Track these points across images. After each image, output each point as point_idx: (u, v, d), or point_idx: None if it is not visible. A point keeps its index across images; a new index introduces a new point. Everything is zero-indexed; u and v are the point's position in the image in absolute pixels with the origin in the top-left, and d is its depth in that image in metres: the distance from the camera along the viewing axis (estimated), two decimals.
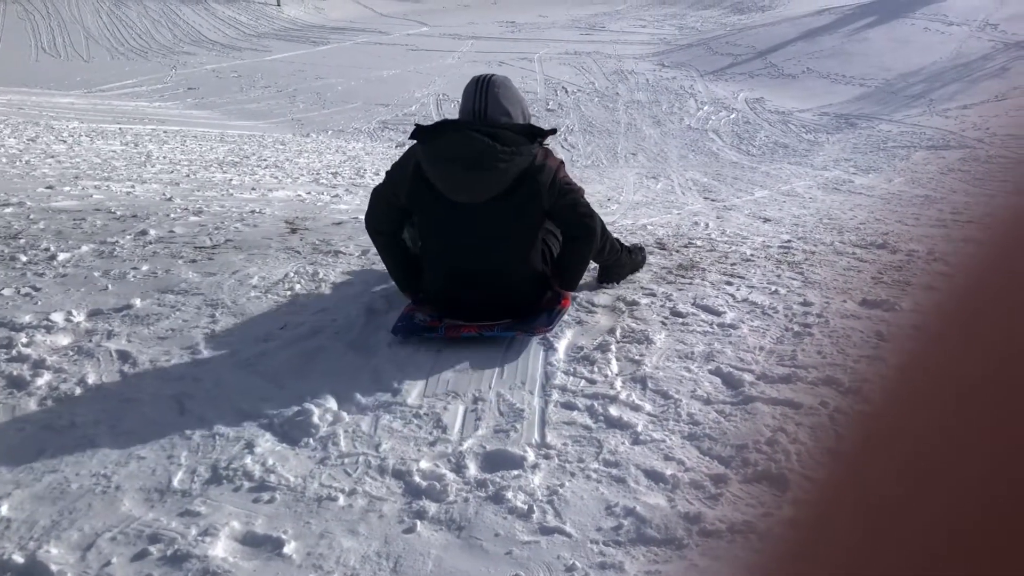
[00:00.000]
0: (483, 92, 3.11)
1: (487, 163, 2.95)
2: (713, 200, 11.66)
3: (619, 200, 11.44)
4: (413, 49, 24.80)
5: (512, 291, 3.20)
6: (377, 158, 15.31)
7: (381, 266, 3.66)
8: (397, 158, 3.28)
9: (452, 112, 19.14)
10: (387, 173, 3.25)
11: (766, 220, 8.63)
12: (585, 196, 3.29)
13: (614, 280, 3.78)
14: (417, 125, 3.14)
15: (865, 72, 19.58)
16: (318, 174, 12.32)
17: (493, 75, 3.26)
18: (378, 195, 3.26)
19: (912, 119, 16.91)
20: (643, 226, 6.33)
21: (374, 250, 3.71)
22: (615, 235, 3.82)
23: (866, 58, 20.21)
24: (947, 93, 17.83)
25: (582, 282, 3.61)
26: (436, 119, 19.04)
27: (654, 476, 2.37)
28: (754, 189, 12.92)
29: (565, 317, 3.34)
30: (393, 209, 3.22)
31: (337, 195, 10.09)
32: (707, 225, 7.06)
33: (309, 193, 9.80)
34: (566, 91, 20.46)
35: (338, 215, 6.38)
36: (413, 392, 2.85)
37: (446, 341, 3.18)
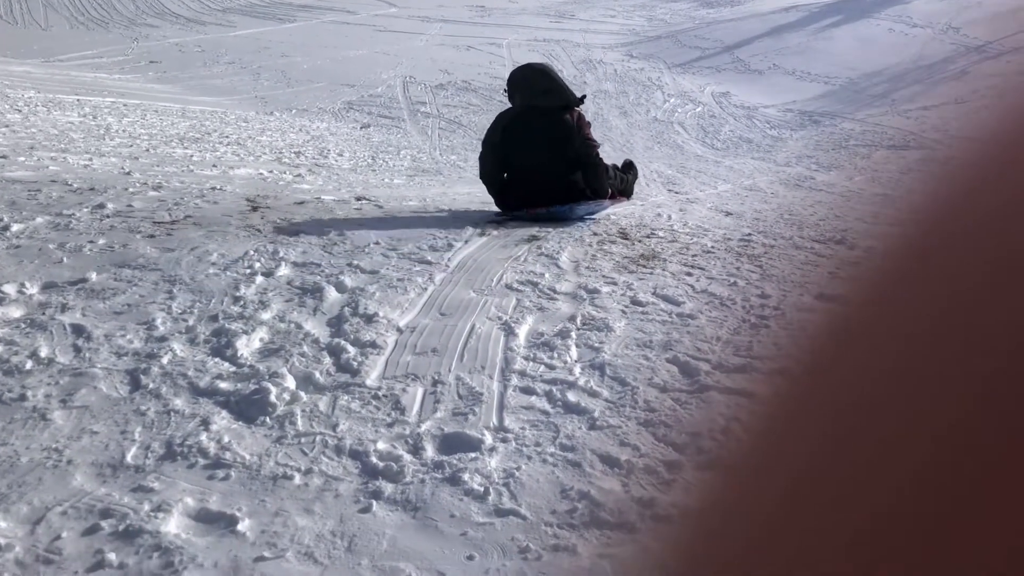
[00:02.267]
0: (538, 76, 5.08)
1: (543, 131, 4.87)
2: (677, 192, 11.73)
3: None
4: (381, 30, 24.57)
5: (557, 190, 4.95)
6: (341, 139, 15.17)
7: (343, 246, 3.66)
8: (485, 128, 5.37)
9: (418, 95, 19.05)
10: (486, 136, 5.18)
11: (728, 214, 8.71)
12: (595, 144, 5.13)
13: (629, 195, 5.92)
14: (500, 116, 5.23)
15: (830, 70, 19.80)
16: (281, 153, 12.18)
17: (544, 65, 5.37)
18: (486, 148, 5.14)
19: (874, 118, 17.14)
20: (607, 216, 6.36)
21: (335, 231, 3.80)
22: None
23: (831, 56, 20.43)
24: (909, 94, 18.10)
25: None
26: (403, 102, 18.93)
27: (609, 461, 2.40)
28: (717, 183, 13.02)
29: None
30: (496, 152, 5.01)
31: (300, 174, 9.98)
32: (670, 217, 7.12)
33: (271, 172, 9.68)
34: None
35: (300, 195, 6.32)
36: (372, 373, 2.85)
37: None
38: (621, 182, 5.51)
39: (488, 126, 5.18)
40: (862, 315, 0.36)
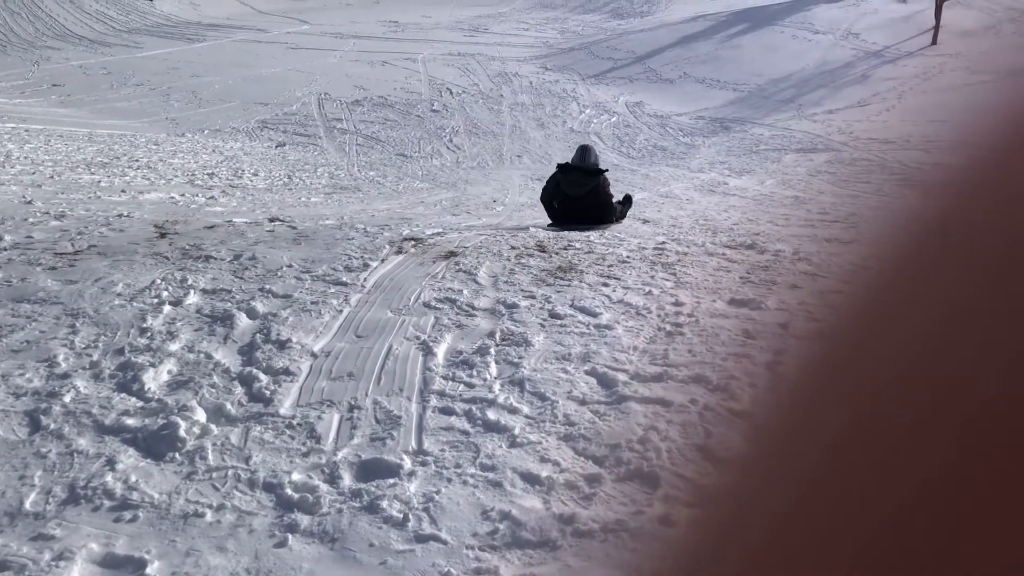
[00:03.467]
0: (584, 151, 7.20)
1: (583, 182, 6.91)
2: None
3: (504, 202, 11.52)
4: (293, 48, 24.27)
5: (587, 218, 6.94)
6: (256, 158, 14.90)
7: (254, 270, 3.58)
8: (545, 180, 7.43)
9: (334, 112, 18.86)
10: (548, 181, 7.21)
11: (645, 221, 8.85)
12: (612, 195, 7.31)
13: (622, 220, 7.57)
14: (559, 164, 7.29)
15: (738, 77, 20.33)
16: (193, 175, 11.90)
17: (589, 144, 7.51)
18: (549, 186, 7.15)
19: (783, 123, 17.65)
20: (526, 228, 6.37)
21: (247, 255, 3.77)
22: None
23: (739, 64, 20.98)
24: (814, 98, 18.69)
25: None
26: (319, 119, 18.68)
27: (530, 478, 2.39)
28: (634, 191, 13.24)
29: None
30: (552, 192, 7.05)
31: (213, 197, 9.77)
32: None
33: (183, 195, 9.45)
34: (451, 92, 20.44)
35: (212, 218, 6.18)
36: (286, 402, 2.78)
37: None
38: (620, 213, 7.55)
39: (547, 176, 7.57)
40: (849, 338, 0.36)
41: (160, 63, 22.23)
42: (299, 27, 27.12)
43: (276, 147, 16.60)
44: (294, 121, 18.45)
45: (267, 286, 3.75)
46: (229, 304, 3.54)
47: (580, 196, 6.91)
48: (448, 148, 17.24)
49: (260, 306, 3.51)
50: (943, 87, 17.91)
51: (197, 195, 9.76)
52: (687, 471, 2.43)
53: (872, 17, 22.44)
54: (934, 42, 20.30)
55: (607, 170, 7.41)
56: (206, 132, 17.12)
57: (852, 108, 17.79)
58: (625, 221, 8.90)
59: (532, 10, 30.23)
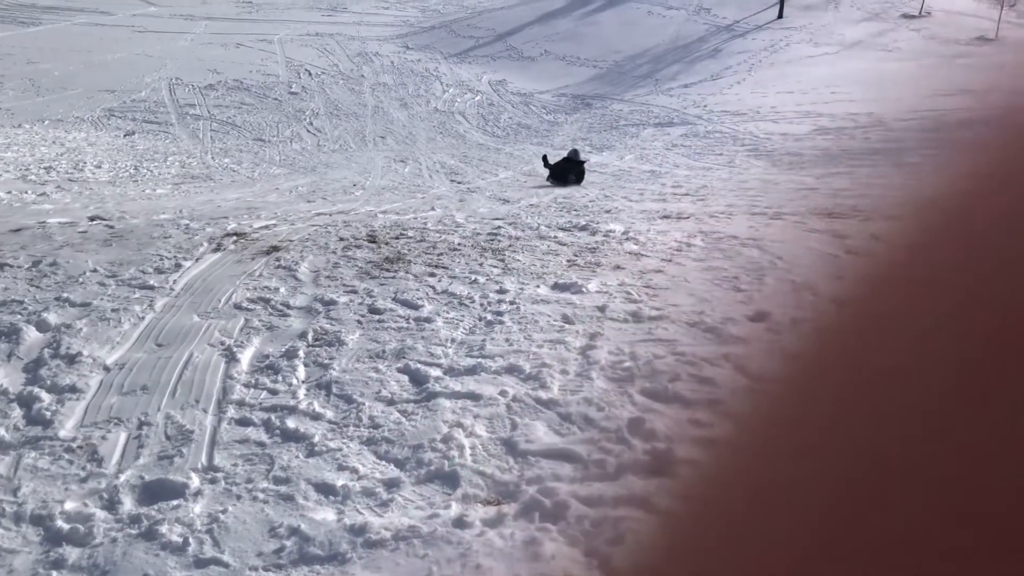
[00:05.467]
0: (575, 152, 11.52)
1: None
2: (459, 183, 11.79)
3: (364, 185, 11.26)
4: (140, 31, 23.07)
5: (575, 178, 10.91)
6: (101, 149, 14.10)
7: (54, 277, 3.33)
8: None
9: (186, 97, 18.09)
10: (559, 162, 11.34)
11: (505, 201, 8.82)
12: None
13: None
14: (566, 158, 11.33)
15: (597, 54, 20.59)
16: (27, 170, 11.16)
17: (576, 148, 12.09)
18: (559, 163, 11.25)
19: (641, 98, 17.99)
20: (374, 215, 6.22)
21: (48, 261, 3.54)
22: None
23: (597, 41, 21.24)
24: (670, 73, 19.13)
25: None
26: (170, 106, 17.89)
27: (324, 489, 2.29)
28: (499, 170, 13.21)
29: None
30: (560, 168, 11.15)
31: (44, 193, 9.17)
32: (434, 209, 7.11)
33: (9, 192, 8.83)
34: (310, 73, 19.91)
35: (32, 217, 5.76)
36: (68, 423, 2.58)
37: None
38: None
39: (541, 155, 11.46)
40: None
41: None
42: (146, 9, 25.79)
43: (124, 136, 15.77)
44: (144, 108, 17.59)
45: (65, 294, 3.50)
46: (19, 317, 3.28)
47: (573, 170, 11.06)
48: (308, 131, 16.80)
49: (53, 317, 3.27)
50: (789, 59, 18.64)
51: (27, 192, 9.15)
52: (488, 467, 2.39)
53: None
54: (780, 16, 21.08)
55: (586, 161, 11.55)
56: (46, 123, 16.12)
57: (706, 82, 18.29)
58: (482, 200, 8.97)
59: None
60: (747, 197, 7.98)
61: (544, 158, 11.81)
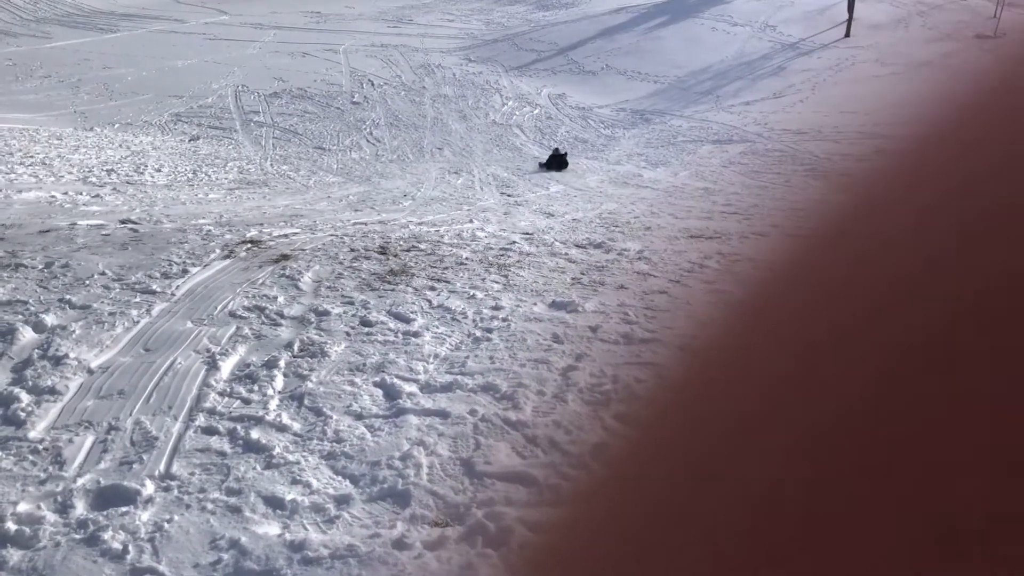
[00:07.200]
0: (557, 150, 14.03)
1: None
2: (509, 195, 11.79)
3: (415, 196, 11.34)
4: (212, 38, 23.71)
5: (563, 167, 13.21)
6: (165, 153, 14.48)
7: (63, 279, 3.39)
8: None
9: (251, 104, 18.49)
10: (553, 154, 14.01)
11: (550, 215, 8.78)
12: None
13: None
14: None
15: (659, 69, 20.41)
16: (90, 171, 11.51)
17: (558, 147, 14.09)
18: (554, 154, 14.00)
19: (701, 114, 17.77)
20: (406, 225, 6.22)
21: (60, 263, 3.64)
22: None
23: (659, 56, 21.07)
24: (732, 90, 18.86)
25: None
26: (235, 112, 18.32)
27: (273, 502, 2.28)
28: (550, 184, 13.19)
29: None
30: (552, 159, 13.74)
31: (98, 195, 9.43)
32: (471, 221, 7.10)
33: (66, 193, 9.10)
34: (372, 84, 20.18)
35: (71, 218, 5.92)
36: (40, 424, 2.63)
37: None
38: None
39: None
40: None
41: (70, 54, 21.56)
42: (218, 17, 26.51)
43: (189, 141, 16.17)
44: (210, 114, 18.03)
45: (68, 296, 3.57)
46: (19, 317, 3.36)
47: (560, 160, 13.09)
48: (368, 141, 17.00)
49: (51, 319, 3.34)
50: (855, 78, 18.20)
51: (82, 193, 9.43)
52: (442, 488, 2.35)
53: (789, 10, 22.72)
54: (847, 35, 20.62)
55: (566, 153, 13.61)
56: (116, 126, 16.64)
57: (768, 99, 17.98)
58: (527, 213, 8.99)
59: (457, 1, 29.98)
60: (795, 218, 7.80)
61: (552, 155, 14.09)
